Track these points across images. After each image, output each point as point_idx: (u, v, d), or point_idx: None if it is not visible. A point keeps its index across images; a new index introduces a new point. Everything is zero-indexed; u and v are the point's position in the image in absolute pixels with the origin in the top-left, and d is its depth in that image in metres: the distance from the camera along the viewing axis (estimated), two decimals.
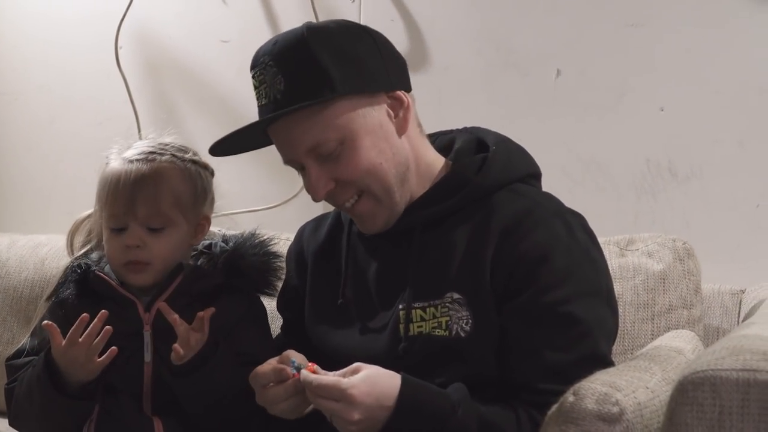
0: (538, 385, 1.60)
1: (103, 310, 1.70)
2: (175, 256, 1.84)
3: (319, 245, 1.87)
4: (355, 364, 1.55)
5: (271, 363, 1.62)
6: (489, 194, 1.71)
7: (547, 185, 1.83)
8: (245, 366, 1.68)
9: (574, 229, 1.68)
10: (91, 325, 1.69)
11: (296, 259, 1.90)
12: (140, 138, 1.93)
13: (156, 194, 1.78)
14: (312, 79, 1.63)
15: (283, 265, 1.90)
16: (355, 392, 1.50)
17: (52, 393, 1.72)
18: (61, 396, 1.72)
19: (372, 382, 1.53)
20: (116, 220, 1.78)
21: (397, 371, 1.57)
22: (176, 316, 1.71)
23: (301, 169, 1.71)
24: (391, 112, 1.69)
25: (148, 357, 1.79)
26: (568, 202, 1.78)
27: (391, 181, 1.69)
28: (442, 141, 1.83)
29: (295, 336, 1.86)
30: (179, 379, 1.75)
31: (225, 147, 1.73)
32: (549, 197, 1.75)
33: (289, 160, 1.71)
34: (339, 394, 1.50)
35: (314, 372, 1.56)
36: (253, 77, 1.69)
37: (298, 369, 1.57)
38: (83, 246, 1.91)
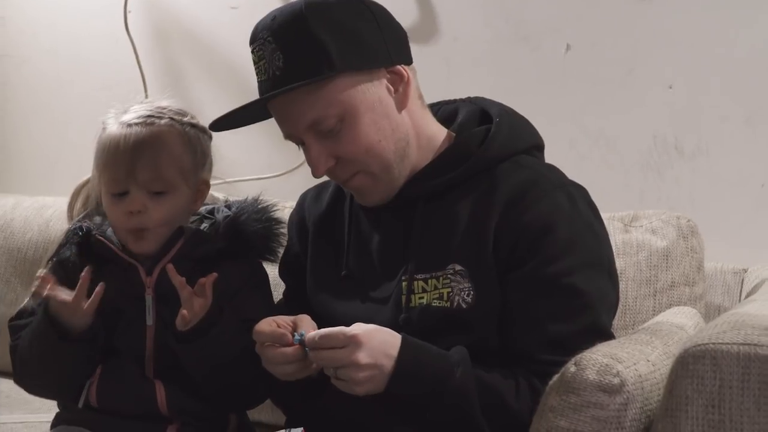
0: (539, 355, 1.60)
1: (98, 287, 1.70)
2: (176, 221, 1.84)
3: (321, 214, 1.87)
4: (357, 324, 1.57)
5: (269, 322, 1.62)
6: (492, 166, 1.71)
7: (554, 159, 1.83)
8: (249, 332, 1.68)
9: (577, 201, 1.68)
10: (79, 285, 1.70)
11: (298, 227, 1.90)
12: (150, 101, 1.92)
13: (156, 158, 1.76)
14: (310, 56, 1.62)
15: (285, 231, 1.90)
16: (359, 333, 1.52)
17: (52, 337, 1.72)
18: (60, 340, 1.72)
19: (375, 328, 1.55)
20: (117, 185, 1.77)
21: None
22: (182, 278, 1.71)
23: (301, 144, 1.71)
24: (391, 87, 1.68)
25: (150, 320, 1.80)
26: (575, 176, 1.78)
27: (390, 158, 1.69)
28: (445, 111, 1.82)
29: (297, 302, 1.86)
30: (184, 344, 1.75)
31: (226, 122, 1.73)
32: (552, 169, 1.75)
33: (289, 135, 1.71)
34: (344, 339, 1.51)
35: None
36: (252, 52, 1.68)
37: (301, 340, 1.58)
38: (81, 212, 1.91)
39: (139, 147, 1.75)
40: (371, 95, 1.65)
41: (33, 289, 1.72)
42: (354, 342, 1.51)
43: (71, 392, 1.82)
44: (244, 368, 1.72)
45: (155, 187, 1.77)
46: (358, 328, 1.53)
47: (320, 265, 1.84)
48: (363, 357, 1.51)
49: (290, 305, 1.87)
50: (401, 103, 1.69)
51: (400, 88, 1.69)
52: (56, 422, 1.87)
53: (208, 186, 1.88)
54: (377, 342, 1.53)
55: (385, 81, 1.67)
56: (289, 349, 1.58)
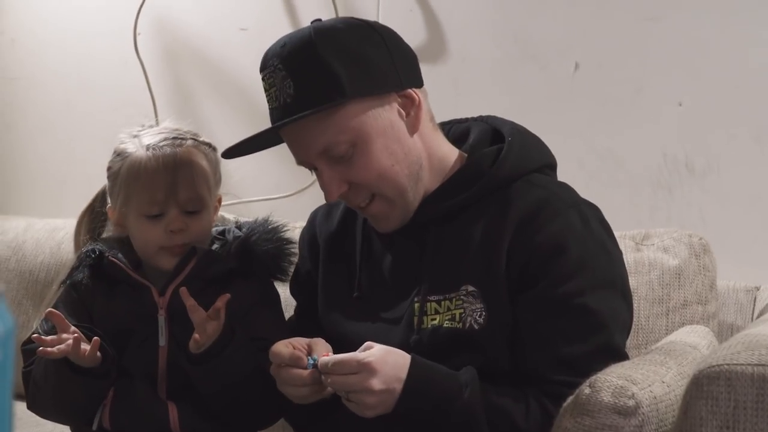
0: (551, 376, 1.60)
1: (94, 338, 1.70)
2: (208, 237, 1.87)
3: (332, 232, 1.86)
4: (367, 342, 1.58)
5: (289, 346, 1.62)
6: (504, 186, 1.70)
7: (564, 177, 1.82)
8: (261, 351, 1.69)
9: (590, 221, 1.68)
10: (73, 343, 1.68)
11: (309, 244, 1.90)
12: (157, 124, 1.94)
13: (193, 178, 1.79)
14: (321, 84, 1.62)
15: (296, 250, 1.90)
16: (373, 360, 1.53)
17: (66, 371, 1.73)
18: (74, 374, 1.73)
19: (387, 351, 1.56)
20: (155, 207, 1.78)
21: None
22: (194, 302, 1.71)
23: (314, 169, 1.72)
24: (402, 112, 1.68)
25: (162, 341, 1.80)
26: (584, 194, 1.77)
27: (404, 183, 1.68)
28: (456, 131, 1.82)
29: (308, 320, 1.86)
30: (196, 366, 1.75)
31: (238, 150, 1.73)
32: (565, 188, 1.74)
33: (301, 162, 1.72)
34: (357, 365, 1.53)
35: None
36: (263, 79, 1.69)
37: (315, 365, 1.59)
38: (86, 241, 1.91)
39: (178, 168, 1.78)
40: (382, 120, 1.65)
41: (42, 316, 1.73)
42: (367, 369, 1.52)
43: (85, 417, 1.83)
44: (256, 387, 1.73)
45: (192, 206, 1.80)
46: (372, 354, 1.54)
47: (331, 284, 1.84)
48: (376, 384, 1.53)
49: (301, 322, 1.88)
50: (413, 127, 1.69)
51: (412, 112, 1.68)
52: None
53: (220, 202, 1.92)
54: (390, 367, 1.54)
55: (396, 105, 1.67)
56: (304, 372, 1.59)
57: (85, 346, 1.69)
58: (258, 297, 1.86)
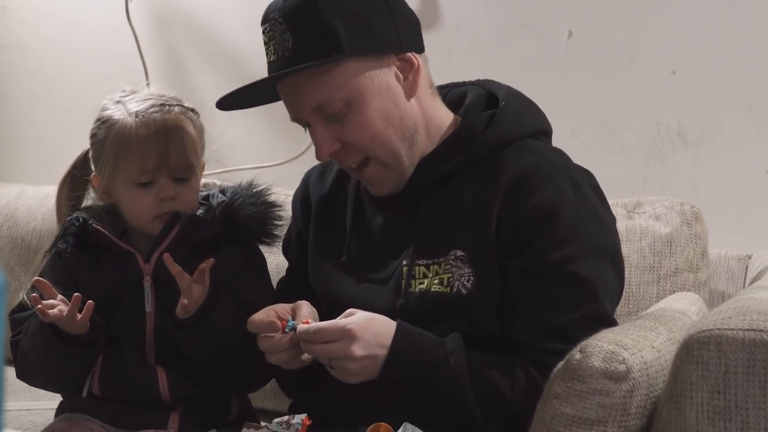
0: (539, 344, 1.60)
1: (89, 301, 1.70)
2: (197, 205, 1.86)
3: (324, 195, 1.86)
4: (350, 309, 1.59)
5: (268, 311, 1.63)
6: (497, 150, 1.70)
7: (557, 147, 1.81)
8: (247, 315, 1.70)
9: (582, 187, 1.67)
10: (69, 308, 1.69)
11: (302, 204, 1.91)
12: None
13: (183, 144, 1.79)
14: (320, 39, 1.62)
15: (281, 213, 1.90)
16: (354, 326, 1.54)
17: (54, 341, 1.73)
18: (63, 343, 1.73)
19: (369, 318, 1.58)
20: (145, 174, 1.77)
21: None
22: (179, 268, 1.71)
23: (307, 126, 1.71)
24: (401, 75, 1.68)
25: (149, 307, 1.80)
26: (577, 164, 1.76)
27: (397, 146, 1.68)
28: (453, 95, 1.82)
29: (300, 280, 1.87)
30: (182, 331, 1.75)
31: (232, 102, 1.73)
32: (558, 153, 1.74)
33: (295, 118, 1.71)
34: (337, 332, 1.54)
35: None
36: (263, 32, 1.69)
37: (293, 328, 1.59)
38: (68, 212, 1.90)
39: (169, 135, 1.77)
40: (379, 81, 1.65)
41: (30, 284, 1.73)
42: (348, 336, 1.53)
43: (75, 385, 1.83)
44: (243, 351, 1.73)
45: (182, 173, 1.79)
46: (353, 321, 1.55)
47: (321, 247, 1.84)
48: (357, 350, 1.54)
49: (293, 283, 1.89)
50: (410, 91, 1.68)
51: (410, 76, 1.68)
52: (60, 410, 1.87)
53: (203, 169, 1.91)
54: (371, 335, 1.55)
55: (394, 68, 1.67)
56: (283, 337, 1.60)
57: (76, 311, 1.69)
58: (243, 261, 1.86)
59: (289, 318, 1.61)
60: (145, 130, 1.76)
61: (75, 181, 1.90)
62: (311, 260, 1.86)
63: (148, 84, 2.58)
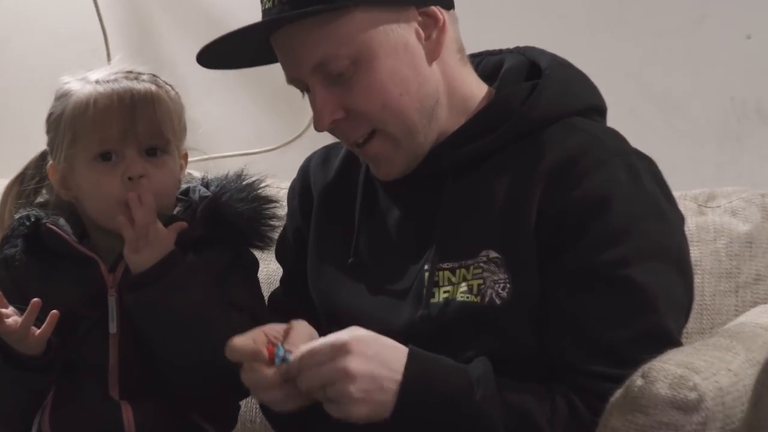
0: (584, 366, 1.59)
1: (53, 311, 1.69)
2: (173, 194, 1.86)
3: (328, 183, 1.87)
4: (350, 328, 1.55)
5: (255, 335, 1.59)
6: (538, 128, 1.70)
7: (610, 126, 1.80)
8: (231, 311, 1.74)
9: (641, 175, 1.66)
10: (27, 313, 1.68)
11: (300, 195, 1.91)
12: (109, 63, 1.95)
13: (155, 112, 1.79)
14: None
15: (276, 210, 1.92)
16: (349, 338, 1.50)
17: (1, 365, 1.73)
18: (9, 365, 1.72)
19: (373, 336, 1.54)
20: (109, 143, 1.78)
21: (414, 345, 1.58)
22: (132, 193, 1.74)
23: (306, 90, 1.71)
24: (422, 33, 1.67)
25: (113, 327, 1.80)
26: (635, 147, 1.74)
27: (413, 118, 1.68)
28: (487, 64, 1.82)
29: (297, 292, 1.88)
30: (140, 293, 1.74)
31: (217, 56, 1.73)
32: (612, 134, 1.73)
33: (292, 79, 1.71)
34: (330, 350, 1.50)
35: None
36: None
37: (284, 359, 1.55)
38: (12, 217, 1.90)
39: (136, 101, 1.78)
40: (395, 38, 1.65)
41: None
42: (343, 351, 1.49)
43: (21, 422, 1.82)
44: (220, 333, 1.63)
45: (155, 141, 1.79)
46: (347, 332, 1.52)
47: (323, 248, 1.84)
48: (354, 365, 1.49)
49: (289, 296, 1.91)
50: (433, 53, 1.68)
51: (434, 35, 1.67)
52: None
53: (187, 160, 1.92)
54: (373, 351, 1.52)
55: (414, 24, 1.66)
56: (268, 372, 1.56)
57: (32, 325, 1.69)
58: (229, 262, 1.87)
59: (279, 345, 1.57)
60: (108, 95, 1.78)
61: (25, 183, 1.92)
62: (311, 264, 1.85)
63: (108, 54, 2.66)
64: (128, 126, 1.77)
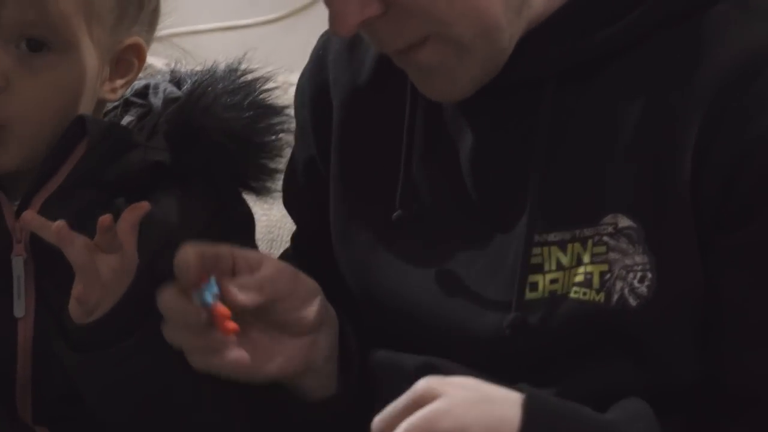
0: None
1: None
2: (69, 111, 1.54)
3: (358, 86, 1.57)
4: (424, 384, 1.29)
5: (203, 251, 1.37)
6: (693, 12, 1.40)
7: None
8: None
9: None
10: None
11: (314, 101, 1.61)
12: None
13: None
14: None
15: (289, 126, 1.61)
16: (438, 385, 1.26)
17: None
18: None
19: (467, 398, 1.29)
20: None
21: (510, 375, 1.36)
22: (61, 224, 1.41)
23: None
24: None
25: (20, 310, 1.52)
26: None
27: (497, 11, 1.38)
28: None
29: (315, 254, 1.61)
30: (85, 356, 1.46)
31: None
32: None
33: None
34: (411, 399, 1.25)
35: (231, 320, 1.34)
36: None
37: (204, 303, 1.33)
38: None
39: None
40: None
41: None
42: (430, 396, 1.26)
43: None
44: (200, 404, 1.51)
45: (32, 31, 1.50)
46: (439, 381, 1.29)
47: (352, 190, 1.56)
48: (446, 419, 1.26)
49: (302, 258, 1.62)
50: None
51: None
52: None
53: (141, 54, 1.61)
54: (471, 417, 1.27)
55: None
56: (186, 303, 1.36)
57: None
58: (208, 218, 1.59)
59: (212, 280, 1.35)
60: None
61: None
62: (335, 218, 1.57)
63: None
64: None
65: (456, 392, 1.29)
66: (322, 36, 1.65)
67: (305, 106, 1.62)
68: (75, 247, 1.41)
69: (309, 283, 1.43)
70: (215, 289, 1.35)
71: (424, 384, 1.28)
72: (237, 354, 1.39)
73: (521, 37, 1.42)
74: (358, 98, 1.57)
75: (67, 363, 1.49)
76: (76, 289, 1.43)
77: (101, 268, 1.42)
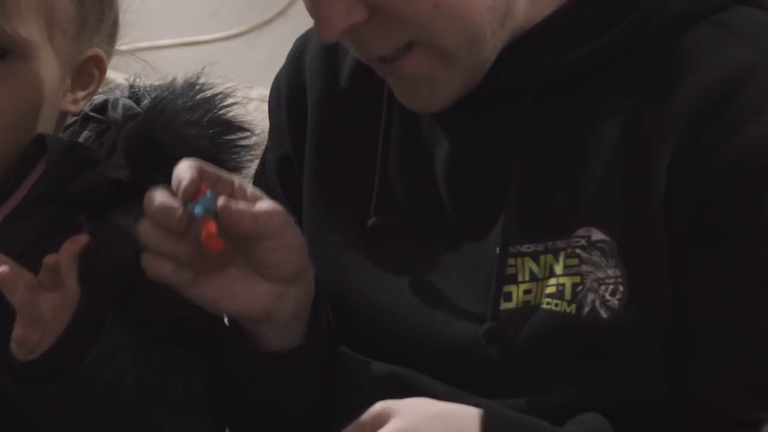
0: (741, 414, 1.43)
1: None
2: (26, 127, 1.54)
3: (335, 90, 1.59)
4: (381, 406, 1.33)
5: (200, 167, 1.39)
6: (671, 31, 1.43)
7: None
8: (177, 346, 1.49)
9: None
10: None
11: (289, 105, 1.64)
12: None
13: None
14: None
15: (246, 141, 1.63)
16: (392, 408, 1.30)
17: None
18: None
19: (426, 413, 1.33)
20: None
21: (481, 384, 1.40)
22: (3, 269, 1.39)
23: None
24: None
25: None
26: None
27: (481, 21, 1.40)
28: None
29: None
30: (29, 391, 1.46)
31: None
32: None
33: None
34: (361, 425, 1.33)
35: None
36: None
37: (194, 214, 1.35)
38: None
39: None
40: None
41: None
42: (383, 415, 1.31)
43: None
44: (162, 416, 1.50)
45: None
46: (392, 405, 1.32)
47: (326, 197, 1.61)
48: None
49: None
50: None
51: None
52: None
53: (102, 66, 1.61)
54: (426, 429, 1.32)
55: None
56: (175, 208, 1.36)
57: None
58: None
59: (209, 193, 1.37)
60: None
61: None
62: (308, 222, 1.60)
63: None
64: None
65: (411, 410, 1.29)
66: (299, 39, 1.67)
67: (281, 107, 1.64)
68: (18, 289, 1.42)
69: (298, 234, 1.44)
70: (211, 206, 1.36)
71: (379, 406, 1.29)
72: (207, 279, 1.40)
73: (501, 50, 1.44)
74: (334, 102, 1.59)
75: (14, 394, 1.48)
76: (17, 331, 1.42)
77: (43, 308, 1.43)
